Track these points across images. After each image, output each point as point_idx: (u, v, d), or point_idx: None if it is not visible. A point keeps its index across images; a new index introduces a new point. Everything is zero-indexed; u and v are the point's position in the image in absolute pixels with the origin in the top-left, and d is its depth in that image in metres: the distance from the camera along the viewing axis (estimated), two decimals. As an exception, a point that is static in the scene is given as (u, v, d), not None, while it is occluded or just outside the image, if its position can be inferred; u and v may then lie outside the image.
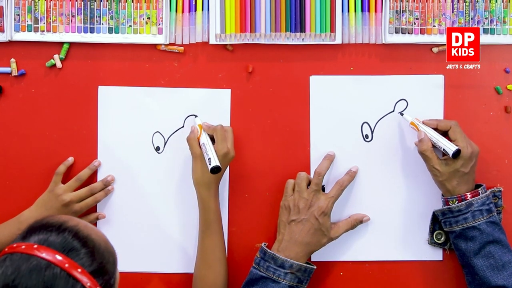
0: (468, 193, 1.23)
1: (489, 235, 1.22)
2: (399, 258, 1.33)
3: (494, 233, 1.22)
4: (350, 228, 1.31)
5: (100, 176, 1.33)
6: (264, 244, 1.28)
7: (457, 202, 1.23)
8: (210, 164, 1.20)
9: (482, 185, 1.25)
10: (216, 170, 1.20)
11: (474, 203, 1.22)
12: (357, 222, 1.31)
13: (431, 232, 1.31)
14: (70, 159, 1.32)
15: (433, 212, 1.30)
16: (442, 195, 1.27)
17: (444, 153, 1.24)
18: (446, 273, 1.32)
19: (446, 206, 1.25)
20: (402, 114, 1.31)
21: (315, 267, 1.26)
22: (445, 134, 1.26)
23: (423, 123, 1.28)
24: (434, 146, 1.25)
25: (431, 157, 1.24)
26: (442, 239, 1.31)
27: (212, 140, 1.27)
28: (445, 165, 1.24)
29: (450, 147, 1.22)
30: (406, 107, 1.32)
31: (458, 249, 1.25)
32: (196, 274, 1.28)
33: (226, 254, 1.29)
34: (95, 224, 1.33)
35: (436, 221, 1.30)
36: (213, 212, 1.26)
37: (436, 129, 1.27)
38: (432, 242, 1.31)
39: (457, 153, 1.21)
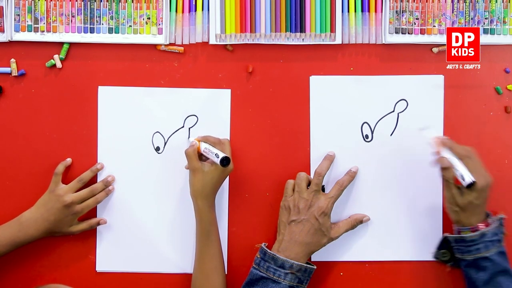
0: (480, 224, 1.22)
1: (499, 265, 1.20)
2: (399, 258, 1.33)
3: (503, 263, 1.21)
4: (350, 228, 1.31)
5: (100, 177, 1.33)
6: (264, 245, 1.28)
7: (470, 232, 1.22)
8: (218, 158, 1.21)
9: (489, 214, 1.24)
10: (226, 162, 1.21)
11: (487, 234, 1.21)
12: (357, 222, 1.31)
13: (438, 248, 1.30)
14: (68, 160, 1.32)
15: (445, 236, 1.28)
16: (453, 224, 1.25)
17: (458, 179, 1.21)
18: (446, 273, 1.33)
19: (459, 235, 1.23)
20: (422, 130, 1.29)
21: (315, 267, 1.26)
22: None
23: (442, 142, 1.23)
24: None
25: (452, 187, 1.22)
26: (447, 257, 1.29)
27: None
28: (460, 195, 1.21)
29: (467, 176, 1.18)
30: (406, 107, 1.33)
31: (468, 277, 1.24)
32: (194, 284, 1.27)
33: (224, 263, 1.28)
34: (96, 229, 1.33)
35: (445, 243, 1.29)
36: (211, 222, 1.26)
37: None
38: (437, 257, 1.30)
39: (471, 185, 1.19)
